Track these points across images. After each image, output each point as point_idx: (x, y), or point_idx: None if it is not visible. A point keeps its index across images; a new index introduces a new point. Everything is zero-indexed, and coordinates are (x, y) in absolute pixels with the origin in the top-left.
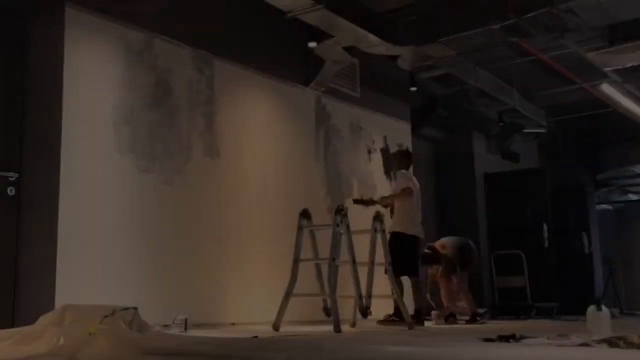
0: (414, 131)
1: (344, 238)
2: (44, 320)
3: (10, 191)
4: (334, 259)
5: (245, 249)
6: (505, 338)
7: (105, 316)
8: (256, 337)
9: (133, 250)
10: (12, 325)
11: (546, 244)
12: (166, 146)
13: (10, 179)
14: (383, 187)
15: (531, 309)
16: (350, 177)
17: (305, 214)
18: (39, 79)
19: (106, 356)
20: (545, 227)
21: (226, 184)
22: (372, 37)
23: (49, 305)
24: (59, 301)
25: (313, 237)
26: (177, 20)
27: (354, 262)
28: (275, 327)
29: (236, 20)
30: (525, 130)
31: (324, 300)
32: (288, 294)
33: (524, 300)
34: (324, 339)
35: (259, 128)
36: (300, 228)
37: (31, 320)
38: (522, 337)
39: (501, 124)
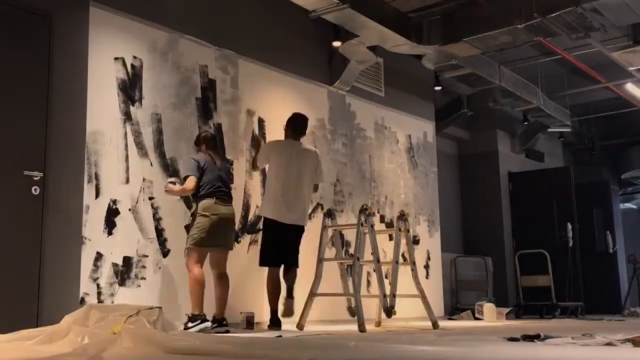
0: (439, 130)
1: (368, 237)
2: (68, 319)
3: (35, 190)
4: (358, 259)
5: None
6: (530, 338)
7: (130, 316)
8: (280, 336)
9: (156, 252)
10: (37, 325)
11: (570, 243)
12: (190, 145)
13: (35, 178)
14: (407, 186)
15: (555, 309)
16: (374, 176)
17: (329, 214)
18: (63, 78)
19: (130, 355)
20: (569, 226)
21: (250, 183)
22: (397, 37)
23: (73, 305)
24: (83, 304)
25: (338, 236)
26: (201, 19)
27: (378, 261)
28: (300, 326)
29: (260, 20)
30: (549, 130)
31: (348, 300)
32: (312, 294)
33: (548, 300)
34: (347, 339)
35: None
36: (324, 227)
37: (56, 320)
38: (547, 337)
39: (525, 123)
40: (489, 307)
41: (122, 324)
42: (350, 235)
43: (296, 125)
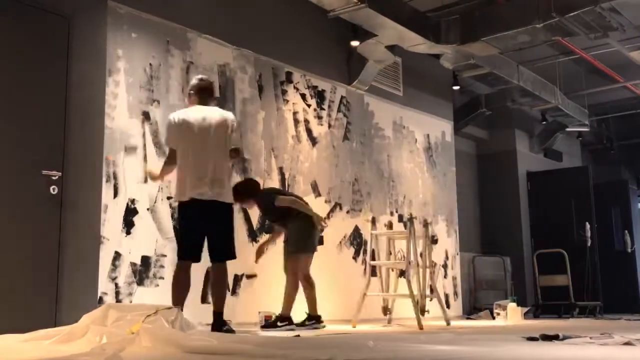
0: (457, 130)
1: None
2: (86, 319)
3: (53, 190)
4: (409, 262)
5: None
6: (548, 337)
7: (148, 315)
8: (298, 336)
9: (174, 251)
10: (55, 325)
11: (589, 243)
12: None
13: (53, 177)
14: (426, 185)
15: (574, 308)
16: (393, 176)
17: (372, 221)
18: (81, 78)
19: (149, 355)
20: (587, 225)
21: (267, 183)
22: (415, 36)
23: (91, 304)
24: (102, 304)
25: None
26: (219, 19)
27: (417, 265)
28: (354, 324)
29: (279, 19)
30: (568, 129)
31: (385, 300)
32: (364, 294)
33: (567, 299)
34: (367, 338)
35: (302, 126)
36: (371, 234)
37: (74, 320)
38: (565, 337)
39: (544, 122)
40: (512, 307)
41: (140, 324)
42: (368, 235)
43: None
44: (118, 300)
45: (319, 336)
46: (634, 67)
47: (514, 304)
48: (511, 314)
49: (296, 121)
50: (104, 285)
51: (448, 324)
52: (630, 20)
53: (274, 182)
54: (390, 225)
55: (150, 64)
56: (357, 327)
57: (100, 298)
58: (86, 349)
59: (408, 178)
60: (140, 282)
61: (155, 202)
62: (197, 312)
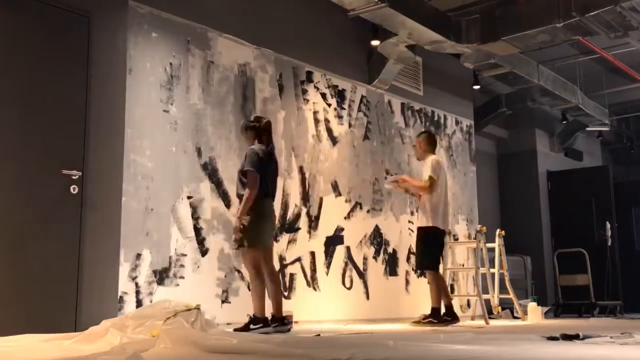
0: (477, 129)
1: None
2: (106, 322)
3: (74, 189)
4: (479, 267)
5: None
6: (569, 337)
7: (168, 317)
8: (318, 335)
9: (195, 251)
10: (76, 324)
11: (609, 242)
12: (229, 144)
13: (74, 177)
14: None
15: (594, 307)
16: (413, 175)
17: (448, 232)
18: (102, 77)
19: (169, 354)
20: (608, 225)
21: (287, 187)
22: (435, 35)
23: (112, 304)
24: (122, 303)
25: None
26: (240, 18)
27: (488, 270)
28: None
29: (299, 18)
30: (588, 128)
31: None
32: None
33: (587, 299)
34: (389, 337)
35: (322, 125)
36: (446, 243)
37: (94, 320)
38: (586, 337)
39: (564, 122)
40: (532, 307)
41: (160, 326)
42: (388, 235)
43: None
44: (138, 300)
45: (338, 336)
46: None
47: (534, 304)
48: (532, 314)
49: (316, 121)
50: (124, 285)
51: (487, 322)
52: None
53: (294, 182)
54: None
55: (171, 64)
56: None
57: (121, 298)
58: (107, 349)
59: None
60: (160, 282)
61: (175, 202)
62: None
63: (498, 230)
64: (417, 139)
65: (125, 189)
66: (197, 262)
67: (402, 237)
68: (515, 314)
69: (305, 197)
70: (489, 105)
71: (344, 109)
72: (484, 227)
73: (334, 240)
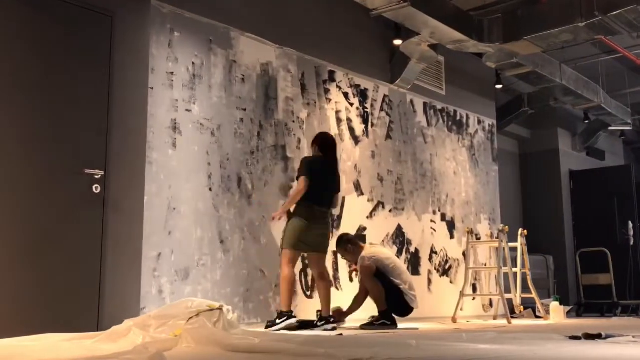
0: (500, 129)
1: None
2: (129, 322)
3: (96, 189)
4: (501, 267)
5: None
6: (591, 336)
7: (190, 317)
8: (340, 334)
9: (217, 250)
10: (98, 324)
11: (632, 242)
12: (252, 143)
13: (96, 176)
14: (469, 184)
15: (616, 307)
16: (435, 175)
17: (470, 231)
18: (124, 77)
19: (191, 353)
20: (630, 224)
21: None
22: (458, 35)
23: (134, 303)
24: (144, 302)
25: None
26: (262, 18)
27: (511, 269)
28: (454, 320)
29: (322, 18)
30: (610, 128)
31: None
32: (461, 294)
33: (610, 298)
34: (411, 337)
35: (345, 125)
36: (468, 243)
37: (117, 320)
38: (608, 336)
39: (586, 121)
40: (555, 306)
41: (183, 326)
42: (411, 234)
43: None
44: (161, 299)
45: (360, 335)
46: None
47: (556, 303)
48: (554, 313)
49: (339, 120)
50: (147, 284)
51: (509, 322)
52: None
53: None
54: (471, 232)
55: (193, 63)
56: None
57: (143, 297)
58: (129, 348)
59: (450, 177)
60: (183, 281)
61: (197, 201)
62: None
63: (520, 230)
64: None
65: (147, 189)
66: (219, 262)
67: (425, 236)
68: (537, 314)
69: None
70: (512, 104)
71: (366, 108)
72: (506, 227)
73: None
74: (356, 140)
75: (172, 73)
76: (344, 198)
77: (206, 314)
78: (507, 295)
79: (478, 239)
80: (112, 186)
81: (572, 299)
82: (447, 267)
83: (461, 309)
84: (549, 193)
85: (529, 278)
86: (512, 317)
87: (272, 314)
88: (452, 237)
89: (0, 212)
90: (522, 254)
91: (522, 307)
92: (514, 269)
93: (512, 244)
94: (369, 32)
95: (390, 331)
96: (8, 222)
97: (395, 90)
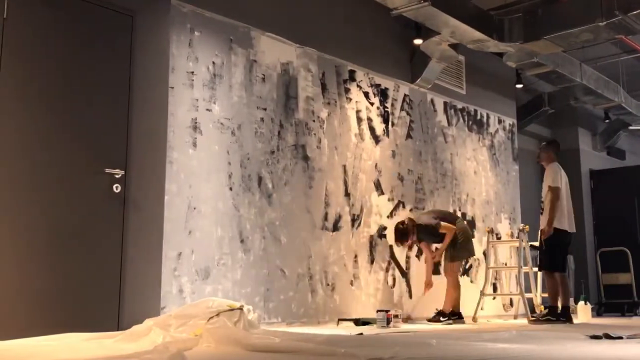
0: (520, 128)
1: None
2: (149, 321)
3: (117, 188)
4: (521, 267)
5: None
6: (612, 336)
7: (211, 317)
8: (361, 334)
9: (237, 250)
10: (118, 323)
11: None
12: (272, 143)
13: (116, 176)
14: (489, 183)
15: (637, 306)
16: (456, 174)
17: (490, 231)
18: (144, 76)
19: (211, 353)
20: None
21: (320, 185)
22: (478, 34)
23: (154, 303)
24: (165, 302)
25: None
26: (282, 17)
27: (531, 268)
28: (474, 319)
29: (342, 17)
30: (631, 127)
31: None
32: (482, 293)
33: (630, 297)
34: (432, 336)
35: (365, 124)
36: (489, 242)
37: (137, 319)
38: (630, 337)
39: (607, 121)
40: (582, 306)
41: (204, 326)
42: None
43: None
44: (181, 299)
45: (381, 334)
46: None
47: (582, 302)
48: (581, 313)
49: (359, 119)
50: (167, 284)
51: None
52: None
53: (335, 181)
54: (491, 232)
55: (213, 62)
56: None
57: (163, 297)
58: (149, 347)
59: (471, 176)
60: (203, 281)
61: (217, 201)
62: None
63: (519, 229)
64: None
65: (168, 188)
66: (240, 261)
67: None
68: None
69: (348, 196)
70: (532, 104)
71: (387, 107)
72: (527, 227)
73: (376, 239)
74: (376, 139)
75: (192, 72)
76: (364, 197)
77: (226, 313)
78: (528, 295)
79: (498, 238)
80: (132, 186)
81: (592, 298)
82: (467, 266)
83: (482, 309)
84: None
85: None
86: (533, 317)
87: (293, 313)
88: (472, 236)
89: (21, 213)
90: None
91: (542, 306)
92: (535, 269)
93: (533, 243)
94: (389, 31)
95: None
96: (28, 222)
97: (416, 89)
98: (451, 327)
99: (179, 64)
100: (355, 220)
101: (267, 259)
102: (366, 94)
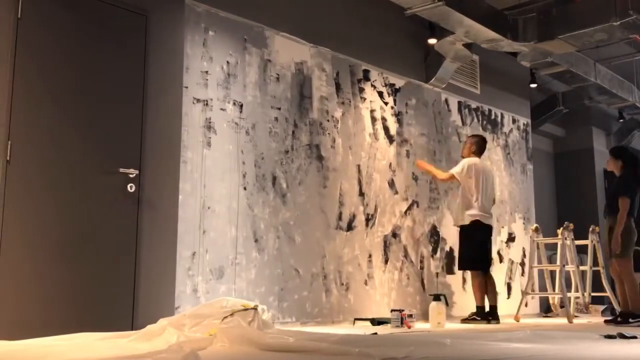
0: (534, 128)
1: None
2: (163, 321)
3: (131, 188)
4: (564, 266)
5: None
6: (626, 336)
7: (225, 317)
8: (375, 333)
9: (252, 249)
10: (132, 323)
11: None
12: (287, 143)
13: (131, 175)
14: (503, 183)
15: None
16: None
17: (536, 230)
18: (158, 76)
19: (225, 352)
20: None
21: (334, 185)
22: (492, 34)
23: (169, 303)
24: (179, 301)
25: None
26: (296, 17)
27: (577, 267)
28: (516, 318)
29: (356, 17)
30: None
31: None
32: (524, 292)
33: None
34: (446, 335)
35: (379, 123)
36: (532, 241)
37: (151, 319)
38: None
39: (621, 120)
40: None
41: (218, 325)
42: (445, 233)
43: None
44: (195, 299)
45: (395, 334)
46: None
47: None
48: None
49: (373, 119)
50: (181, 284)
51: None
52: None
53: (349, 181)
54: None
55: (228, 62)
56: (520, 321)
57: (178, 296)
58: (163, 347)
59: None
60: (217, 281)
61: (232, 200)
62: None
63: (592, 227)
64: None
65: (182, 187)
66: (254, 261)
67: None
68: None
69: (362, 196)
70: (546, 103)
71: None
72: (571, 224)
73: (390, 239)
74: (391, 139)
75: (206, 72)
76: (378, 197)
77: (241, 313)
78: (575, 294)
79: (512, 238)
80: (146, 185)
81: (606, 298)
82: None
83: (525, 305)
84: (584, 192)
85: (602, 276)
86: (547, 317)
87: (307, 313)
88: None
89: (36, 212)
90: (594, 251)
91: (591, 304)
92: (581, 267)
93: (578, 242)
94: (403, 31)
95: None
96: (43, 222)
97: (430, 89)
98: (467, 327)
99: (193, 63)
100: (369, 220)
101: (281, 258)
102: (380, 94)
